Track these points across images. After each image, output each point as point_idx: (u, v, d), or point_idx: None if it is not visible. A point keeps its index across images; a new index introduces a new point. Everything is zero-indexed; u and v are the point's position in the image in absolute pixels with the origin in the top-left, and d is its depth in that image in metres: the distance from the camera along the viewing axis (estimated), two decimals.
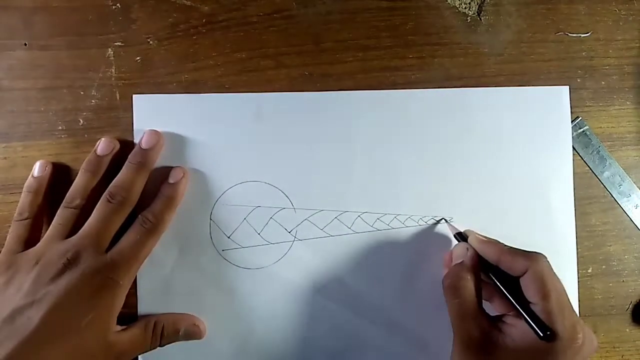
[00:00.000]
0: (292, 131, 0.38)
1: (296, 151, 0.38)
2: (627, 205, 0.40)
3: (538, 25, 0.40)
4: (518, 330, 0.30)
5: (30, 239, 0.34)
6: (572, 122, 0.40)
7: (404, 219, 0.38)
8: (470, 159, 0.38)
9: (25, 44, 0.37)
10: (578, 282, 0.39)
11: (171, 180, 0.36)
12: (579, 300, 0.39)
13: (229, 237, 0.37)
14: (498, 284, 0.32)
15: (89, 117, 0.38)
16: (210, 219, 0.37)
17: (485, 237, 0.35)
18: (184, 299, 0.37)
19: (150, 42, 0.38)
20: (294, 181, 0.38)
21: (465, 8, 0.40)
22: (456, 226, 0.37)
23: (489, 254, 0.33)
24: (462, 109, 0.38)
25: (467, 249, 0.34)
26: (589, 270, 0.40)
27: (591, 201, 0.40)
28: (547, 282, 0.30)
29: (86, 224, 0.33)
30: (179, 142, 0.37)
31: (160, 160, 0.37)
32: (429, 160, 0.38)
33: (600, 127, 0.40)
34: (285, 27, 0.39)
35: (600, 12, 0.40)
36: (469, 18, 0.40)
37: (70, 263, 0.32)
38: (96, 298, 0.32)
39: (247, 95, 0.38)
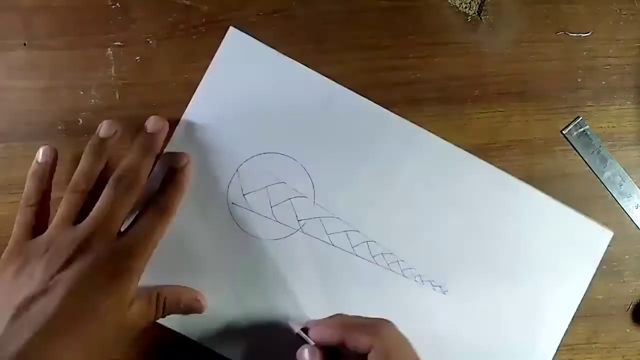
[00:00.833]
0: (348, 135, 0.38)
1: (343, 155, 0.38)
2: (628, 205, 0.40)
3: (539, 24, 0.40)
4: None
5: (38, 226, 0.34)
6: (572, 121, 0.40)
7: (404, 268, 0.38)
8: (494, 251, 0.38)
9: (25, 44, 0.37)
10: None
11: (177, 165, 0.36)
12: (579, 301, 0.39)
13: (243, 195, 0.37)
14: None
15: (89, 117, 0.38)
16: (237, 170, 0.37)
17: (327, 319, 0.33)
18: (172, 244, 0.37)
19: (150, 42, 0.38)
20: (326, 179, 0.38)
21: (466, 7, 0.40)
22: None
23: (331, 339, 0.31)
24: (511, 200, 0.38)
25: (308, 353, 0.31)
26: None
27: (592, 201, 0.40)
28: (393, 356, 0.29)
29: (94, 209, 0.33)
30: (247, 92, 0.38)
31: (226, 102, 0.38)
32: (458, 230, 0.38)
33: (601, 127, 0.40)
34: (285, 27, 0.38)
35: (600, 12, 0.40)
36: (469, 18, 0.40)
37: (82, 249, 0.31)
38: (112, 284, 0.31)
39: (326, 81, 0.38)
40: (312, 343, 0.32)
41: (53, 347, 0.29)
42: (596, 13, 0.40)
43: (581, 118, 0.40)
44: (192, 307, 0.36)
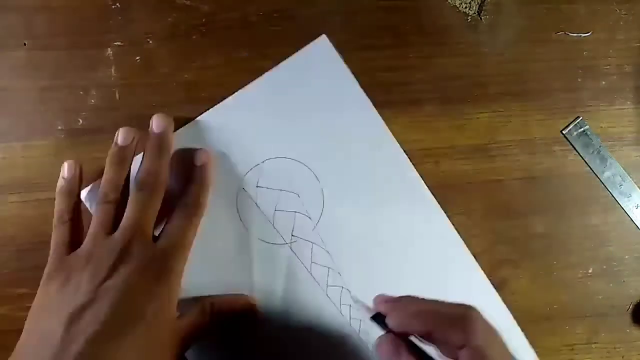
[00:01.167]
0: (376, 188, 0.38)
1: (362, 203, 0.38)
2: (628, 205, 0.40)
3: (538, 25, 0.40)
4: None
5: (73, 241, 0.34)
6: (572, 121, 0.40)
7: (363, 329, 0.37)
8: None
9: (25, 44, 0.37)
10: (578, 282, 0.39)
11: (198, 163, 0.36)
12: (579, 301, 0.39)
13: (257, 186, 0.37)
14: None
15: (89, 117, 0.38)
16: (262, 162, 0.38)
17: (406, 304, 0.30)
18: None
19: (150, 42, 0.38)
20: (337, 213, 0.38)
21: (466, 7, 0.40)
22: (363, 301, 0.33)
23: (418, 329, 0.28)
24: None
25: (392, 345, 0.29)
26: (590, 271, 0.40)
27: (592, 201, 0.40)
28: (488, 358, 0.26)
29: (125, 217, 0.33)
30: (304, 99, 0.38)
31: (282, 99, 0.38)
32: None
33: (601, 127, 0.40)
34: (285, 27, 0.38)
35: (600, 12, 0.40)
36: (469, 18, 0.40)
37: (122, 257, 0.31)
38: (156, 288, 0.32)
39: (382, 127, 0.38)
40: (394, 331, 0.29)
41: (108, 352, 0.29)
42: (596, 13, 0.40)
43: (581, 118, 0.40)
44: (247, 313, 0.36)
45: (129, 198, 0.34)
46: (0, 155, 0.37)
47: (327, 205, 0.38)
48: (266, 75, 0.38)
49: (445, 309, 0.29)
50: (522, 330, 0.39)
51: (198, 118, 0.38)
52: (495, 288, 0.39)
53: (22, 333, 0.31)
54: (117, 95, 0.38)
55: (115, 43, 0.38)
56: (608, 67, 0.40)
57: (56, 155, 0.37)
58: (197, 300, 0.35)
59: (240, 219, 0.37)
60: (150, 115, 0.37)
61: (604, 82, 0.40)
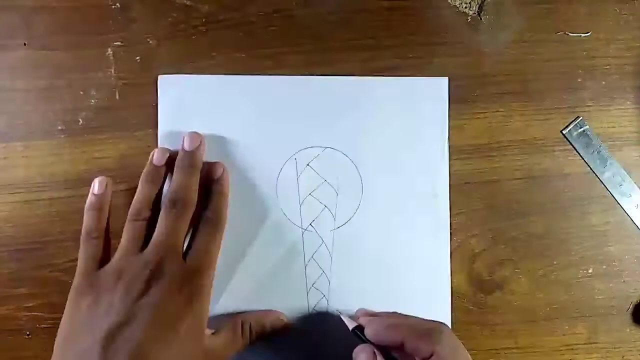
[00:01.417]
0: None
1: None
2: (628, 205, 0.40)
3: (538, 25, 0.40)
4: None
5: (104, 256, 0.34)
6: (572, 122, 0.40)
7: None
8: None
9: (25, 44, 0.37)
10: (578, 282, 0.39)
11: (215, 176, 0.36)
12: (579, 301, 0.39)
13: (307, 164, 0.38)
14: None
15: (89, 117, 0.38)
16: (325, 148, 0.38)
17: (383, 318, 0.34)
18: None
19: (150, 42, 0.38)
20: (357, 235, 0.38)
21: (466, 8, 0.40)
22: (345, 312, 0.36)
23: (389, 341, 0.31)
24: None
25: (369, 354, 0.31)
26: (590, 271, 0.40)
27: (591, 201, 0.40)
28: None
29: (156, 234, 0.33)
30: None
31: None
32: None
33: (601, 127, 0.40)
34: (285, 27, 0.39)
35: (600, 12, 0.40)
36: (469, 18, 0.40)
37: (154, 274, 0.32)
38: (189, 305, 0.32)
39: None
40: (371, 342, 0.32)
41: None
42: (596, 13, 0.40)
43: (581, 118, 0.40)
44: (277, 327, 0.36)
45: (160, 215, 0.34)
46: (0, 155, 0.37)
47: (355, 218, 0.38)
48: (367, 79, 0.39)
49: (417, 323, 0.33)
50: (522, 330, 0.39)
51: (305, 77, 0.38)
52: (496, 288, 0.39)
53: (54, 353, 0.31)
54: (117, 95, 0.38)
55: (116, 43, 0.38)
56: (608, 67, 0.40)
57: (56, 155, 0.37)
58: (227, 317, 0.36)
59: (277, 184, 0.38)
60: (150, 116, 0.37)
61: (603, 82, 0.40)
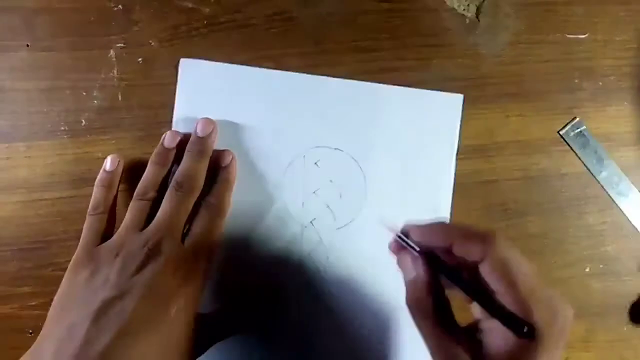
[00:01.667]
0: None
1: None
2: (625, 205, 0.40)
3: (536, 26, 0.40)
4: (497, 335, 0.26)
5: (105, 233, 0.35)
6: (569, 122, 0.40)
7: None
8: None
9: (28, 45, 0.38)
10: (576, 281, 0.40)
11: (223, 164, 0.36)
12: (576, 300, 0.40)
13: (315, 163, 0.38)
14: (458, 287, 0.28)
15: (91, 118, 0.38)
16: (334, 148, 0.39)
17: (430, 224, 0.30)
18: None
19: (152, 44, 0.38)
20: (353, 241, 0.38)
21: (464, 10, 0.40)
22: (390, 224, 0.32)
23: (437, 243, 0.29)
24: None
25: (413, 258, 0.29)
26: (587, 270, 0.40)
27: (588, 201, 0.40)
28: (510, 267, 0.26)
29: (159, 214, 0.34)
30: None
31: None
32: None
33: (598, 128, 0.40)
34: (286, 29, 0.39)
35: (598, 13, 0.41)
36: (467, 19, 0.40)
37: (152, 253, 0.32)
38: (182, 287, 0.32)
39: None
40: (416, 248, 0.29)
41: (132, 347, 0.29)
42: (593, 14, 0.40)
43: (578, 119, 0.40)
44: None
45: (165, 196, 0.34)
46: (3, 156, 0.38)
47: (355, 223, 0.38)
48: (384, 86, 0.39)
49: (468, 227, 0.28)
50: None
51: (319, 77, 0.39)
52: None
53: (46, 321, 0.31)
54: (119, 96, 0.38)
55: (118, 44, 0.38)
56: (606, 67, 0.40)
57: (59, 155, 0.38)
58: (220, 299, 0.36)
59: (283, 178, 0.38)
60: (152, 115, 0.38)
61: (601, 83, 0.40)
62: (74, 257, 0.33)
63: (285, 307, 0.38)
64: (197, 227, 0.34)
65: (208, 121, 0.36)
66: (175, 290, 0.32)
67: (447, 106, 0.39)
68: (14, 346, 0.38)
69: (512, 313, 0.26)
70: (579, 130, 0.40)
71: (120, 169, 0.36)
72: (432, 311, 0.28)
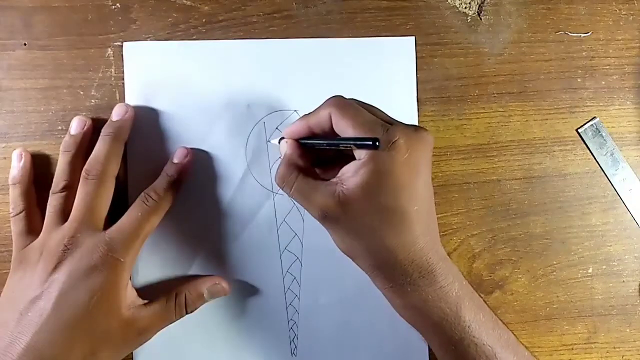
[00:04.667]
0: None
1: None
2: (628, 203, 0.40)
3: (538, 25, 0.40)
4: (351, 172, 0.30)
5: (33, 230, 0.34)
6: (589, 121, 0.39)
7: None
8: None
9: (25, 44, 0.37)
10: (578, 282, 0.40)
11: (175, 160, 0.36)
12: (579, 301, 0.39)
13: (277, 127, 0.38)
14: (319, 146, 0.33)
15: (89, 117, 0.37)
16: (295, 111, 0.38)
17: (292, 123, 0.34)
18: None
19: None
20: None
21: (466, 8, 0.40)
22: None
23: (303, 132, 0.33)
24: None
25: (283, 142, 0.34)
26: (589, 271, 0.40)
27: (591, 201, 0.40)
28: (345, 111, 0.31)
29: (74, 207, 0.33)
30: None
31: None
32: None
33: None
34: (285, 27, 0.39)
35: (600, 12, 0.40)
36: (469, 18, 0.40)
37: (69, 248, 0.32)
38: (98, 276, 0.32)
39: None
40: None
41: (53, 345, 0.30)
42: (596, 13, 0.40)
43: (598, 119, 0.40)
44: (215, 292, 0.36)
45: (78, 186, 0.34)
46: (0, 155, 0.37)
47: None
48: (333, 40, 0.38)
49: (315, 110, 0.33)
50: (522, 329, 0.39)
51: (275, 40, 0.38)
52: (495, 288, 0.39)
53: None
54: (117, 96, 0.38)
55: (116, 43, 0.38)
56: (608, 66, 0.40)
57: (57, 155, 0.37)
58: (163, 286, 0.36)
59: (246, 148, 0.38)
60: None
61: (603, 82, 0.40)
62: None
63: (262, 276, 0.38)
64: (125, 217, 0.34)
65: (122, 105, 0.36)
66: (90, 281, 0.31)
67: (401, 51, 0.39)
68: None
69: (357, 137, 0.30)
70: (597, 130, 0.39)
71: (27, 164, 0.36)
72: (296, 174, 0.32)
